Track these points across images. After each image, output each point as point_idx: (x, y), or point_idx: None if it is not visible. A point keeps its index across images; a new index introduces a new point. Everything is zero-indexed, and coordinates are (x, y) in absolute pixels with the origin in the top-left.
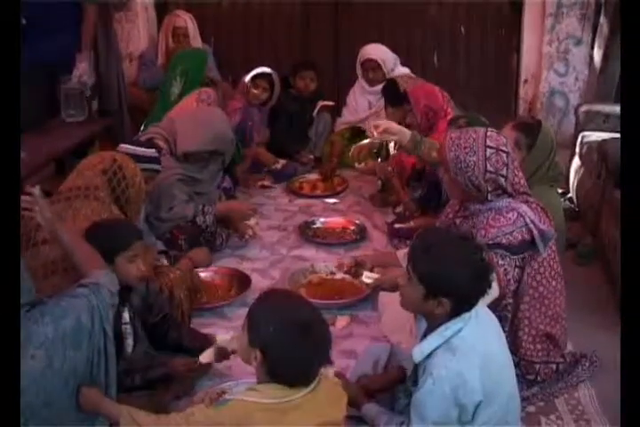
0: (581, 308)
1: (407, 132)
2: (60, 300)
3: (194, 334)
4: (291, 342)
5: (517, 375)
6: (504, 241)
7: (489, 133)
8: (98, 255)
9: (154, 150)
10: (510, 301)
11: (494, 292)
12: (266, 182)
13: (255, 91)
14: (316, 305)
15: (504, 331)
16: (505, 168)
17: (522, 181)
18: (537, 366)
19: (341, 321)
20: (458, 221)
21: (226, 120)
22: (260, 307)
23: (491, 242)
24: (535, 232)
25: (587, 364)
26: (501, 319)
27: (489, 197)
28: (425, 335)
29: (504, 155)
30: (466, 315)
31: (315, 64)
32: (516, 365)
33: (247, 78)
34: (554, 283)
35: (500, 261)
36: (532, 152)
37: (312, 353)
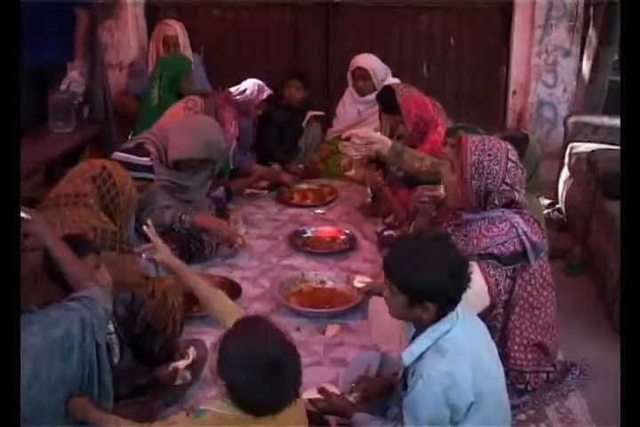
0: (571, 317)
1: (388, 142)
2: (50, 310)
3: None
4: (255, 382)
5: (507, 385)
6: (496, 251)
7: (509, 147)
8: (90, 270)
9: (147, 159)
10: (501, 311)
11: (485, 301)
12: (255, 190)
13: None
14: (307, 314)
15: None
16: (519, 184)
17: (522, 198)
18: (527, 376)
19: (331, 330)
20: (450, 229)
21: (218, 128)
22: (229, 342)
23: (482, 252)
24: (527, 244)
25: (577, 373)
26: (491, 329)
27: (488, 206)
28: (414, 338)
29: (520, 171)
30: (452, 315)
31: (303, 73)
32: (506, 374)
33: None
34: (545, 293)
35: (492, 272)
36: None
37: (278, 392)
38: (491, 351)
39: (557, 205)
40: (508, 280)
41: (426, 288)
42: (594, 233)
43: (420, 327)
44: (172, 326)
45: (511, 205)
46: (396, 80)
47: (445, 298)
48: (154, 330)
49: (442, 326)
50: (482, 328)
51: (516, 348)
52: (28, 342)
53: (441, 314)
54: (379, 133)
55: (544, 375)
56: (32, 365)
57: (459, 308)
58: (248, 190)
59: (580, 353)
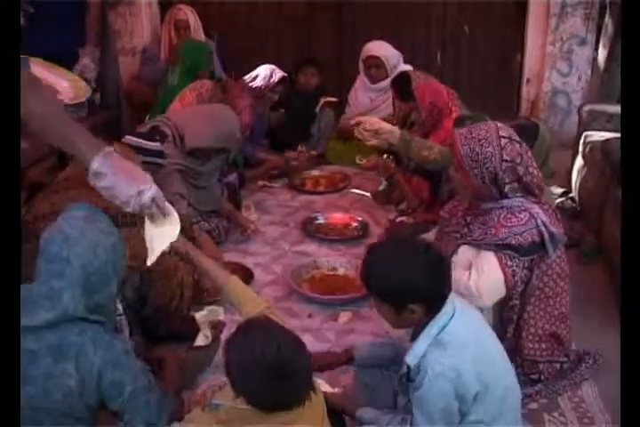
0: (585, 306)
1: (397, 131)
2: None
3: (188, 321)
4: (261, 386)
5: (520, 375)
6: (514, 242)
7: (499, 125)
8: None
9: (158, 144)
10: (517, 302)
11: (501, 291)
12: (267, 183)
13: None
14: (319, 300)
15: (507, 332)
16: (520, 157)
17: (536, 172)
18: (540, 366)
19: (344, 317)
20: (469, 218)
21: (235, 118)
22: (233, 343)
23: (500, 242)
24: (546, 235)
25: (590, 362)
26: (506, 320)
27: (506, 189)
28: (413, 337)
29: (517, 144)
30: (447, 309)
31: (316, 60)
32: (519, 365)
33: (262, 75)
34: (561, 284)
35: (509, 262)
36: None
37: (286, 393)
38: (492, 340)
39: (571, 194)
40: (525, 271)
41: (402, 292)
42: (607, 222)
43: (418, 329)
44: (178, 299)
45: (526, 187)
46: (409, 67)
47: (427, 297)
48: (163, 311)
49: (438, 321)
50: (479, 318)
51: (530, 338)
52: None
53: (432, 312)
54: (386, 123)
55: (557, 365)
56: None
57: (455, 300)
58: (261, 182)
59: (593, 342)
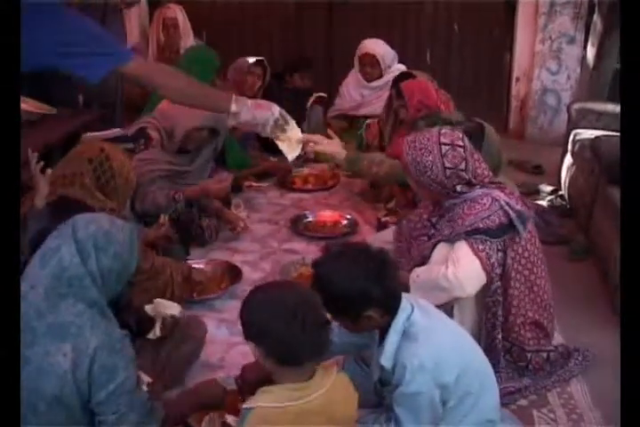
0: (574, 303)
1: (342, 154)
2: None
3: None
4: (276, 325)
5: (509, 362)
6: (482, 225)
7: (442, 131)
8: None
9: (118, 129)
10: (499, 284)
11: (481, 276)
12: (254, 183)
13: (250, 78)
14: None
15: (497, 316)
16: (464, 162)
17: (486, 172)
18: (528, 355)
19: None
20: (434, 219)
21: None
22: (247, 300)
23: (469, 228)
24: (512, 214)
25: (579, 358)
26: (492, 305)
27: (458, 189)
28: (380, 341)
29: (460, 149)
30: (404, 305)
31: (310, 63)
32: (508, 351)
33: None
34: (543, 267)
35: (481, 246)
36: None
37: (303, 333)
38: (454, 324)
39: (560, 192)
40: (499, 254)
41: (352, 301)
42: (597, 219)
43: (385, 329)
44: (168, 298)
45: (486, 183)
46: (402, 66)
47: (378, 300)
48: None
49: (400, 317)
50: (434, 308)
51: (518, 322)
52: None
53: (389, 313)
54: (331, 146)
55: (544, 355)
56: None
57: (409, 297)
58: (247, 183)
59: (582, 339)
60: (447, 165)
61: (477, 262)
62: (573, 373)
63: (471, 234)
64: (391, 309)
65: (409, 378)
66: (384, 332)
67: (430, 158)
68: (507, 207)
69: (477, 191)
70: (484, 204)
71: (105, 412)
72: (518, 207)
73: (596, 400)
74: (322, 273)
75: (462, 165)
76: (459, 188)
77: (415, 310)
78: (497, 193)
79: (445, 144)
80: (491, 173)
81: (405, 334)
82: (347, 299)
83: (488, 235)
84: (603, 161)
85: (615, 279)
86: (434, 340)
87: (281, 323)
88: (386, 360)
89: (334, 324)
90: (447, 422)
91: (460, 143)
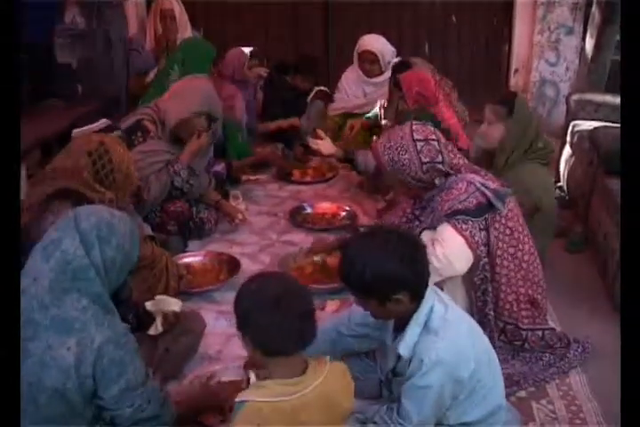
0: (572, 294)
1: (338, 151)
2: None
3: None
4: (260, 314)
5: (504, 342)
6: (460, 207)
7: (414, 127)
8: None
9: (104, 120)
10: (486, 260)
11: (468, 255)
12: (251, 177)
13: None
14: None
15: (487, 292)
16: (439, 155)
17: (461, 162)
18: (524, 333)
19: (332, 305)
20: (417, 212)
21: (211, 84)
22: (238, 292)
23: (448, 211)
24: (488, 193)
25: (579, 350)
26: (480, 283)
27: (437, 183)
28: (396, 326)
29: (435, 143)
30: (428, 294)
31: (313, 64)
32: (502, 330)
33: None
34: (531, 243)
35: (464, 226)
36: (512, 121)
37: (286, 321)
38: (465, 314)
39: (559, 183)
40: (483, 232)
41: (384, 284)
42: (595, 210)
43: (403, 320)
44: (162, 289)
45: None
46: None
47: (410, 284)
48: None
49: (424, 308)
50: (448, 297)
51: (510, 299)
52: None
53: (416, 299)
54: (326, 146)
55: (539, 333)
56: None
57: (431, 286)
58: (244, 177)
59: (581, 330)
60: (424, 160)
61: (462, 241)
62: (572, 364)
63: (451, 216)
64: (419, 294)
65: (424, 371)
66: (402, 322)
67: (407, 156)
68: (482, 188)
69: (452, 178)
70: (461, 188)
71: (121, 406)
72: (494, 186)
73: (595, 391)
74: (353, 253)
75: (439, 158)
76: (437, 181)
77: (437, 301)
78: (471, 176)
79: (419, 140)
80: (466, 161)
81: (426, 327)
82: (379, 279)
83: (468, 215)
84: (601, 152)
85: (613, 270)
86: (453, 334)
87: (264, 312)
88: (405, 349)
89: (345, 326)
90: (458, 412)
91: (433, 137)
